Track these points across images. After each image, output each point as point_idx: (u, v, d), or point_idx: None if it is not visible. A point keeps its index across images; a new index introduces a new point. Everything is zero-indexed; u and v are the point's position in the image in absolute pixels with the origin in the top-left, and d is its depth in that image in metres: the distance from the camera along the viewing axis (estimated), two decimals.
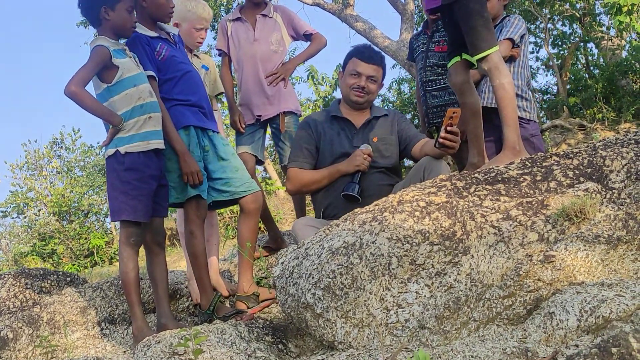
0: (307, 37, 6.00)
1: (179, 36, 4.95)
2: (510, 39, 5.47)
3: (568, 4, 15.56)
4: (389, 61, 15.94)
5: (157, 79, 4.57)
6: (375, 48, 5.64)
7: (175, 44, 4.80)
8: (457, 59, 4.67)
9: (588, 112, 14.79)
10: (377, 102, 18.41)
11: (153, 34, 4.68)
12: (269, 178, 17.60)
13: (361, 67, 5.32)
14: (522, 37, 5.56)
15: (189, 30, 5.32)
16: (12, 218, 20.82)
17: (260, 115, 5.79)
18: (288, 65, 5.89)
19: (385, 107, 17.64)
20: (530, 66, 16.96)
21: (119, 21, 4.44)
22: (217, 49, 6.11)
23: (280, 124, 5.78)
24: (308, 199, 5.66)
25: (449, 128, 4.53)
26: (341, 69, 5.50)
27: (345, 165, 5.15)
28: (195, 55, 5.51)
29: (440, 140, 4.57)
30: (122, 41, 4.55)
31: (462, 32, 4.55)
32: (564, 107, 15.06)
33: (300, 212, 5.91)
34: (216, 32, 17.52)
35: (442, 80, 5.73)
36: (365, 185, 5.11)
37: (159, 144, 4.38)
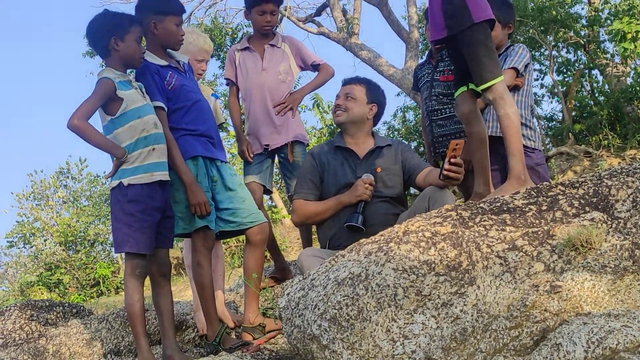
0: (315, 67, 6.00)
1: (189, 64, 4.97)
2: (515, 68, 5.47)
3: (572, 31, 15.61)
4: (393, 89, 16.02)
5: (166, 109, 4.59)
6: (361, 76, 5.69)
7: (185, 73, 4.81)
8: (464, 88, 4.68)
9: (594, 138, 14.79)
10: (383, 130, 18.42)
11: (163, 62, 4.70)
12: (275, 206, 17.59)
13: (339, 90, 5.49)
14: (526, 66, 5.56)
15: (191, 62, 5.34)
16: (19, 248, 20.82)
17: (268, 145, 5.79)
18: (296, 95, 5.89)
19: (391, 135, 17.68)
20: (535, 93, 16.99)
21: (128, 52, 4.46)
22: (225, 78, 6.12)
23: (288, 153, 5.78)
24: (315, 228, 5.66)
25: (452, 160, 4.54)
26: None
27: (348, 196, 5.15)
28: None
29: (445, 172, 4.58)
30: (129, 71, 4.58)
31: (467, 62, 4.57)
32: (570, 134, 15.07)
33: (307, 242, 5.90)
34: (222, 61, 17.66)
35: (447, 110, 5.73)
36: (369, 215, 5.11)
37: (163, 175, 4.39)
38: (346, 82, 5.52)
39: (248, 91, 5.85)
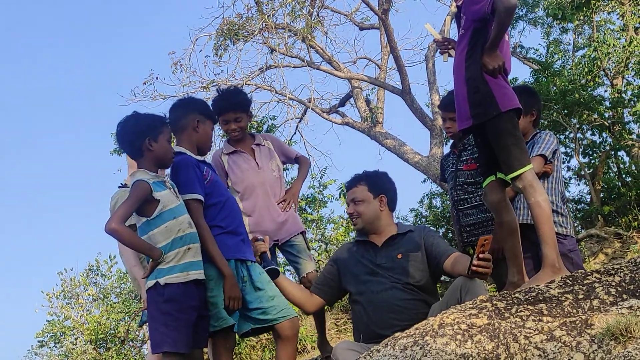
0: (296, 160, 6.31)
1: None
2: (542, 155, 5.48)
3: (596, 113, 15.64)
4: (419, 176, 16.01)
5: (203, 202, 4.64)
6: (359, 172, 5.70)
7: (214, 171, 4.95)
8: (492, 178, 4.69)
9: (623, 220, 14.66)
10: (410, 217, 18.32)
11: (199, 157, 4.82)
12: None
13: (347, 197, 5.55)
14: (554, 152, 5.57)
15: None
16: (49, 347, 20.76)
17: (277, 240, 5.94)
18: (293, 190, 6.14)
19: (418, 222, 17.61)
20: (562, 176, 16.92)
21: (161, 152, 4.54)
22: None
23: (305, 243, 6.04)
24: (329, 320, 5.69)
25: (481, 255, 4.53)
26: None
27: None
28: None
29: (473, 267, 4.57)
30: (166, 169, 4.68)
31: (494, 152, 4.59)
32: (599, 216, 14.97)
33: (320, 332, 6.05)
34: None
35: (473, 199, 5.75)
36: (388, 300, 5.11)
37: (198, 274, 4.41)
38: (348, 187, 5.53)
39: (249, 189, 5.96)
